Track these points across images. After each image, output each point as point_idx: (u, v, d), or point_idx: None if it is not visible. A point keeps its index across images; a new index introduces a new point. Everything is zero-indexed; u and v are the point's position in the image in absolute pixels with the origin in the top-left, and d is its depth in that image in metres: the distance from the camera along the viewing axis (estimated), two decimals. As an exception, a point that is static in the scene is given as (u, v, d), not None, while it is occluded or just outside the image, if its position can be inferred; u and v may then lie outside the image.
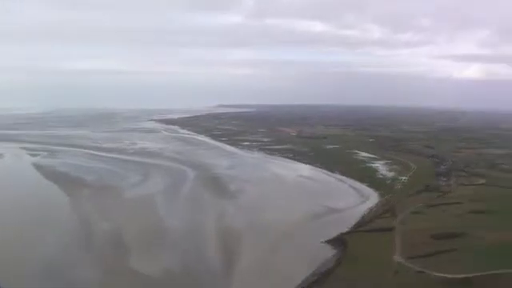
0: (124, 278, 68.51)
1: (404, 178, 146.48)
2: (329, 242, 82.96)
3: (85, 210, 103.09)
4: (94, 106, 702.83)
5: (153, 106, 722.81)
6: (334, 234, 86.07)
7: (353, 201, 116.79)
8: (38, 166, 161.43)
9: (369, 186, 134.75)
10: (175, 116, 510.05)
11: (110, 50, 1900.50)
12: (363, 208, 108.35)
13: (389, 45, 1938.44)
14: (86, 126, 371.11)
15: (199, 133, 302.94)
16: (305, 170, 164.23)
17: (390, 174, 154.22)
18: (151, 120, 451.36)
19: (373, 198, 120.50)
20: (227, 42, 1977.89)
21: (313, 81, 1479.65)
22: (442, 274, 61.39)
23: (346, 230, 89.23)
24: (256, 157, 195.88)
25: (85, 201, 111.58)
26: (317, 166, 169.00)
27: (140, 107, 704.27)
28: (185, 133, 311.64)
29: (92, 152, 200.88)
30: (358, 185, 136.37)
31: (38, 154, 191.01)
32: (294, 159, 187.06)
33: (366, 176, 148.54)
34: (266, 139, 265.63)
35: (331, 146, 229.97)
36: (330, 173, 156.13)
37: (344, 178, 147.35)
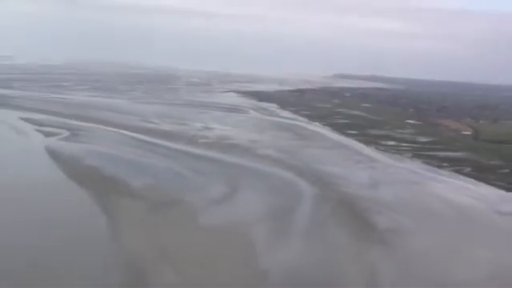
0: None
1: None
2: None
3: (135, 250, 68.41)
4: (139, 63, 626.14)
5: (232, 69, 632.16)
6: None
7: None
8: (55, 155, 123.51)
9: None
10: (268, 87, 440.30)
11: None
12: None
13: None
14: (128, 92, 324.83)
15: (311, 118, 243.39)
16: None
17: None
18: (231, 91, 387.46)
19: None
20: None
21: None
22: None
23: None
24: (411, 169, 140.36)
25: (134, 227, 78.30)
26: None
27: (212, 69, 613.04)
28: (287, 116, 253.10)
29: (140, 137, 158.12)
30: None
31: (53, 133, 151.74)
32: (480, 179, 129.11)
33: None
34: (421, 138, 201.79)
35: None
36: None
37: None
